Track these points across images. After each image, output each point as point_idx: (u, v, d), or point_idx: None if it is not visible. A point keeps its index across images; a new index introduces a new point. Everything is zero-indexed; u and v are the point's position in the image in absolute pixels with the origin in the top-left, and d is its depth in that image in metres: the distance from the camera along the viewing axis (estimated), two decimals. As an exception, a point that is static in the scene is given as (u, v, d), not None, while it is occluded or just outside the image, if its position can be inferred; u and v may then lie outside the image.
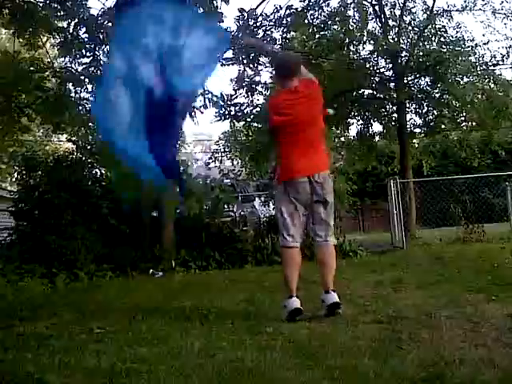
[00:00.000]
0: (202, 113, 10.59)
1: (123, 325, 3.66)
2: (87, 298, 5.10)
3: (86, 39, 10.04)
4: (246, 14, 10.51)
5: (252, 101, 12.83)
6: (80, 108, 10.42)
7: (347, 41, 12.77)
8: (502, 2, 13.59)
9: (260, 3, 10.32)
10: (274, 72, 3.94)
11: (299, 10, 12.00)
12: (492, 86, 13.03)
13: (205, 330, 3.35)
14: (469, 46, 12.97)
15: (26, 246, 7.51)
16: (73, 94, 10.40)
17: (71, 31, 9.84)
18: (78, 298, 5.22)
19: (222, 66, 11.06)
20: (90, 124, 10.42)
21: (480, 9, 13.87)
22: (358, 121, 14.78)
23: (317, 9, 12.73)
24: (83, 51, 10.03)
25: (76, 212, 7.74)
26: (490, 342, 2.74)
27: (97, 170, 9.38)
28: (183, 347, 2.94)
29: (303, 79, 3.78)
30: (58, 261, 7.21)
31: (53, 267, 7.09)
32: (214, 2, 10.17)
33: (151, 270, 7.36)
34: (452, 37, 13.04)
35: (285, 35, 11.97)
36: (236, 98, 12.06)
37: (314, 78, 3.89)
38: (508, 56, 13.16)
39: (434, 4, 13.22)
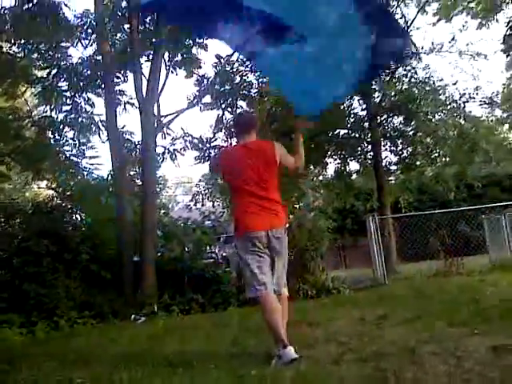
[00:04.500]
0: (182, 155, 10.74)
1: (105, 374, 3.58)
2: (68, 347, 4.99)
3: (65, 87, 10.18)
4: (222, 61, 10.80)
5: (231, 143, 13.03)
6: (60, 155, 10.45)
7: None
8: (468, 44, 14.28)
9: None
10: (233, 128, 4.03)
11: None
12: (462, 122, 13.48)
13: (188, 376, 3.30)
14: (438, 86, 13.47)
15: (4, 295, 7.34)
16: (52, 142, 10.44)
17: (51, 81, 9.97)
18: (58, 348, 5.10)
19: (201, 111, 11.29)
20: (71, 170, 10.44)
21: (447, 51, 14.50)
22: (335, 160, 15.07)
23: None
24: (63, 99, 10.15)
25: (56, 259, 7.64)
26: (474, 376, 2.76)
27: (77, 216, 9.33)
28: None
29: (261, 143, 3.88)
30: (37, 309, 7.05)
31: (32, 316, 6.92)
32: (193, 49, 10.51)
33: (133, 316, 7.24)
34: (422, 77, 13.54)
35: (260, 79, 12.27)
36: (215, 140, 12.24)
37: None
38: (476, 94, 13.69)
39: (403, 47, 13.76)
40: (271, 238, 3.63)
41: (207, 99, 11.32)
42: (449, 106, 13.19)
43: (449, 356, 3.21)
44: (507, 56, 13.72)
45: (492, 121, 15.38)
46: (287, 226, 3.81)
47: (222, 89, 11.11)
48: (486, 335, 3.64)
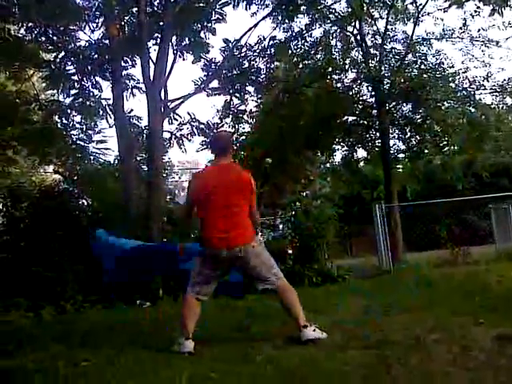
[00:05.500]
0: (189, 141, 10.70)
1: (110, 357, 3.60)
2: (74, 330, 5.01)
3: (73, 70, 10.16)
4: (230, 45, 10.71)
5: (238, 129, 13.02)
6: (67, 139, 10.46)
7: (330, 69, 13.04)
8: (479, 30, 14.01)
9: (244, 34, 10.53)
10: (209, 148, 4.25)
11: (282, 40, 12.28)
12: (473, 110, 13.32)
13: (193, 360, 3.32)
14: (449, 73, 13.29)
15: (12, 278, 7.40)
16: (60, 126, 10.44)
17: (58, 64, 9.94)
18: (64, 331, 5.12)
19: (208, 96, 11.24)
20: (78, 155, 10.46)
21: (458, 37, 14.25)
22: (343, 147, 14.97)
23: (300, 39, 13.02)
24: (71, 83, 10.13)
25: (63, 243, 7.67)
26: (479, 365, 2.75)
27: (83, 201, 9.37)
28: (171, 378, 2.92)
29: (238, 168, 4.07)
30: (44, 293, 7.10)
31: (39, 300, 6.97)
32: (202, 34, 10.44)
33: (138, 301, 7.26)
34: (432, 64, 13.36)
35: (269, 65, 12.18)
36: (222, 126, 12.20)
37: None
38: (487, 81, 13.50)
39: (413, 32, 13.60)
40: (235, 257, 3.78)
41: (215, 84, 11.26)
42: (459, 94, 13.03)
43: (453, 344, 3.20)
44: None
45: (502, 108, 15.14)
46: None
47: (230, 74, 11.04)
48: (490, 325, 3.63)
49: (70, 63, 10.32)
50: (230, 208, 3.82)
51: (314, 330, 3.68)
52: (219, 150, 4.03)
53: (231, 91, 11.43)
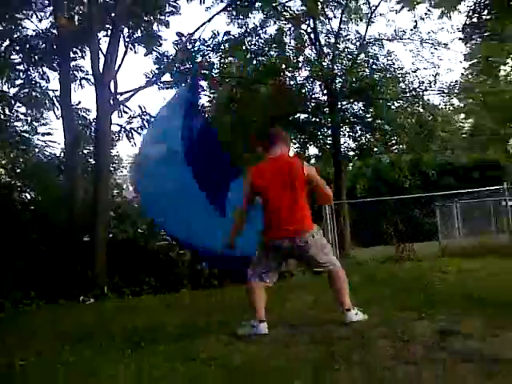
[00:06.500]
0: (139, 134, 10.47)
1: (50, 356, 3.48)
2: (11, 328, 4.82)
3: (19, 60, 9.77)
4: (184, 39, 10.54)
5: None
6: (10, 131, 10.07)
7: (284, 66, 13.11)
8: (429, 32, 14.43)
9: (198, 28, 10.39)
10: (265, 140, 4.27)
11: (237, 36, 12.21)
12: (421, 110, 13.71)
13: (137, 359, 3.24)
14: (399, 73, 13.64)
15: None
16: (3, 117, 10.03)
17: (3, 53, 9.53)
18: (1, 329, 4.92)
19: (159, 89, 11.04)
20: (22, 147, 10.10)
21: (409, 38, 14.63)
22: (295, 144, 15.09)
23: (254, 35, 13.01)
24: (16, 73, 9.75)
25: (3, 238, 7.36)
26: (419, 359, 2.81)
27: (26, 194, 9.04)
28: (113, 377, 2.84)
29: (289, 156, 4.20)
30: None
31: (-25, 298, 6.67)
32: (155, 26, 10.23)
33: (82, 297, 7.07)
34: (383, 64, 13.66)
35: (222, 60, 12.10)
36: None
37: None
38: (435, 82, 13.93)
39: (366, 33, 13.87)
40: (296, 247, 3.88)
41: (167, 77, 11.07)
42: (408, 94, 13.39)
43: (396, 339, 3.26)
44: (465, 44, 13.93)
45: (449, 110, 15.69)
46: None
47: (183, 68, 10.88)
48: (432, 319, 3.70)
49: (15, 52, 9.92)
50: (286, 199, 3.90)
51: (357, 314, 3.90)
52: (269, 144, 4.12)
53: (183, 85, 11.26)
